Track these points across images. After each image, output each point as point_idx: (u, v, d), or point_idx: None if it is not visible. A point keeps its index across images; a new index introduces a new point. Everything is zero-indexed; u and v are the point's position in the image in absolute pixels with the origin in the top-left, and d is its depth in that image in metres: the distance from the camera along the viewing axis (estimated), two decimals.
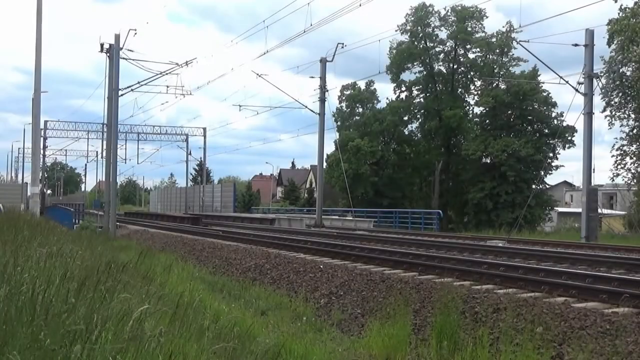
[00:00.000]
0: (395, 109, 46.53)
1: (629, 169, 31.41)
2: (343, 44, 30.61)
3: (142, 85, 28.90)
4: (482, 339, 6.61)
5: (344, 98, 49.16)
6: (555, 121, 40.49)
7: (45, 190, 55.69)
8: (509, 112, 41.00)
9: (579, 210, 26.51)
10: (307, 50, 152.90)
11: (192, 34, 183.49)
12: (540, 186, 40.87)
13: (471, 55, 45.92)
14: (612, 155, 31.69)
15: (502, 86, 41.82)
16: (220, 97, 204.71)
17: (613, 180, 33.27)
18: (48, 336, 2.85)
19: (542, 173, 40.59)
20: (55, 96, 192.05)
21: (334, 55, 31.04)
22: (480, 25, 45.06)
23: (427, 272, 10.64)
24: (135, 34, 27.62)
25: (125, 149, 50.29)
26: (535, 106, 40.49)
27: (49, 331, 2.91)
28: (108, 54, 27.10)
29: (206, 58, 75.18)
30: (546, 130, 40.54)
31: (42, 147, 43.51)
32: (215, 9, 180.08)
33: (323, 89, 31.85)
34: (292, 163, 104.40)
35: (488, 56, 44.22)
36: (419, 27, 45.02)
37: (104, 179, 37.21)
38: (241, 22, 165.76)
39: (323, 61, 31.73)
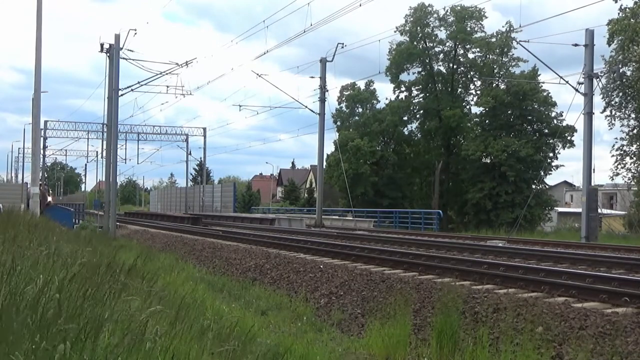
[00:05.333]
0: (394, 109, 46.50)
1: (629, 169, 31.45)
2: (343, 44, 30.66)
3: (142, 85, 28.87)
4: (482, 339, 6.62)
5: (343, 99, 49.17)
6: (555, 121, 40.52)
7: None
8: (509, 112, 40.97)
9: (579, 210, 26.52)
10: (306, 49, 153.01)
11: (189, 34, 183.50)
12: (540, 186, 40.88)
13: (471, 55, 45.94)
14: (612, 155, 31.77)
15: (502, 86, 41.81)
16: (220, 97, 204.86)
17: (613, 180, 33.36)
18: (50, 337, 2.86)
19: (542, 173, 40.64)
20: (55, 96, 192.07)
21: (334, 55, 31.07)
22: (479, 25, 45.11)
23: (427, 272, 10.64)
24: (135, 34, 27.65)
25: (125, 149, 50.25)
26: (535, 106, 40.47)
27: (52, 332, 2.91)
28: (108, 54, 27.10)
29: (206, 58, 75.02)
30: (546, 130, 40.53)
31: (42, 147, 43.49)
32: (212, 8, 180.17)
33: (323, 89, 31.84)
34: (292, 163, 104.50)
35: (488, 56, 44.19)
36: (418, 28, 45.00)
37: (104, 179, 37.24)
38: (238, 21, 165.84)
39: (323, 61, 31.72)
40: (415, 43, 45.40)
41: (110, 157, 28.07)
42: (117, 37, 26.65)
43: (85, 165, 71.64)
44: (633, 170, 31.42)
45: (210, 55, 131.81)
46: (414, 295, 8.98)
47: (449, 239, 20.44)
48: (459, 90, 47.26)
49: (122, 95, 27.63)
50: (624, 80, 30.04)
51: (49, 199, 51.71)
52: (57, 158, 70.65)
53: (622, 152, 31.37)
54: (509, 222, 33.97)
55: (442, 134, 45.90)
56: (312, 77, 32.88)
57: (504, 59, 43.43)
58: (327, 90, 32.23)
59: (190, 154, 53.21)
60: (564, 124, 38.95)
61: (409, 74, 46.79)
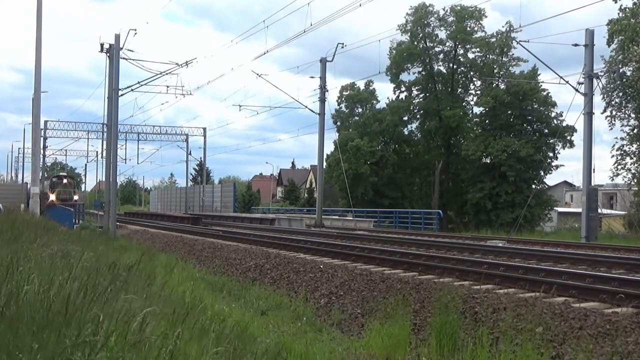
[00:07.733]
0: (394, 109, 46.52)
1: (629, 169, 31.45)
2: (343, 43, 30.66)
3: (142, 85, 28.83)
4: (482, 339, 6.62)
5: (343, 99, 49.17)
6: (555, 121, 40.53)
7: None
8: (509, 112, 40.98)
9: (579, 210, 26.52)
10: (305, 49, 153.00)
11: (189, 34, 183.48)
12: (540, 186, 40.88)
13: (471, 55, 45.93)
14: (612, 155, 31.76)
15: (502, 86, 41.81)
16: (220, 97, 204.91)
17: (613, 180, 33.36)
18: (51, 338, 2.86)
19: (542, 173, 40.64)
20: (55, 96, 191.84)
21: (334, 55, 31.06)
22: (479, 25, 45.12)
23: (427, 272, 10.64)
24: (135, 34, 27.61)
25: (125, 149, 50.20)
26: (535, 106, 40.49)
27: (52, 333, 2.92)
28: (108, 54, 27.08)
29: (206, 58, 74.96)
30: (546, 130, 40.53)
31: (42, 147, 43.48)
32: (212, 8, 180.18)
33: (323, 89, 31.85)
34: (292, 163, 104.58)
35: (488, 56, 44.20)
36: (419, 27, 45.00)
37: (104, 179, 37.20)
38: (237, 21, 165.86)
39: (323, 61, 31.72)
40: (415, 43, 45.41)
41: (110, 157, 28.06)
42: (117, 37, 26.64)
43: (85, 165, 71.68)
44: (633, 170, 31.43)
45: (210, 55, 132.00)
46: (414, 295, 8.99)
47: (449, 239, 20.44)
48: (459, 90, 47.26)
49: (122, 95, 27.61)
50: (624, 80, 30.03)
51: (75, 197, 51.15)
52: (57, 158, 70.59)
53: (622, 152, 31.38)
54: (509, 222, 33.97)
55: (442, 134, 45.91)
56: (312, 77, 32.93)
57: (504, 59, 43.43)
58: (327, 90, 32.25)
59: (190, 154, 53.24)
60: (564, 124, 38.94)
61: (409, 74, 46.89)
